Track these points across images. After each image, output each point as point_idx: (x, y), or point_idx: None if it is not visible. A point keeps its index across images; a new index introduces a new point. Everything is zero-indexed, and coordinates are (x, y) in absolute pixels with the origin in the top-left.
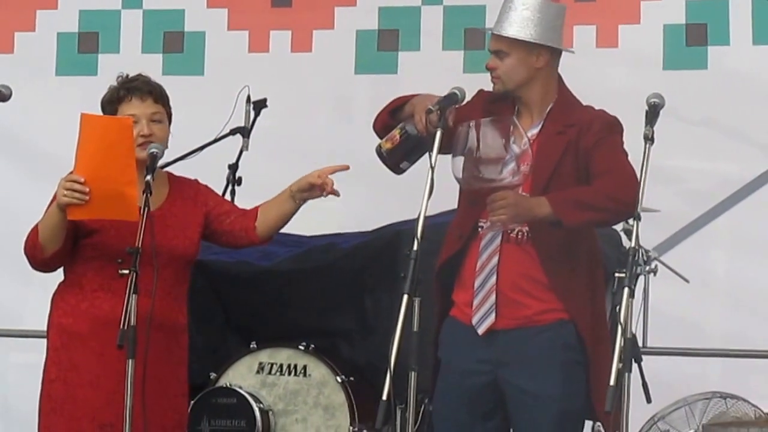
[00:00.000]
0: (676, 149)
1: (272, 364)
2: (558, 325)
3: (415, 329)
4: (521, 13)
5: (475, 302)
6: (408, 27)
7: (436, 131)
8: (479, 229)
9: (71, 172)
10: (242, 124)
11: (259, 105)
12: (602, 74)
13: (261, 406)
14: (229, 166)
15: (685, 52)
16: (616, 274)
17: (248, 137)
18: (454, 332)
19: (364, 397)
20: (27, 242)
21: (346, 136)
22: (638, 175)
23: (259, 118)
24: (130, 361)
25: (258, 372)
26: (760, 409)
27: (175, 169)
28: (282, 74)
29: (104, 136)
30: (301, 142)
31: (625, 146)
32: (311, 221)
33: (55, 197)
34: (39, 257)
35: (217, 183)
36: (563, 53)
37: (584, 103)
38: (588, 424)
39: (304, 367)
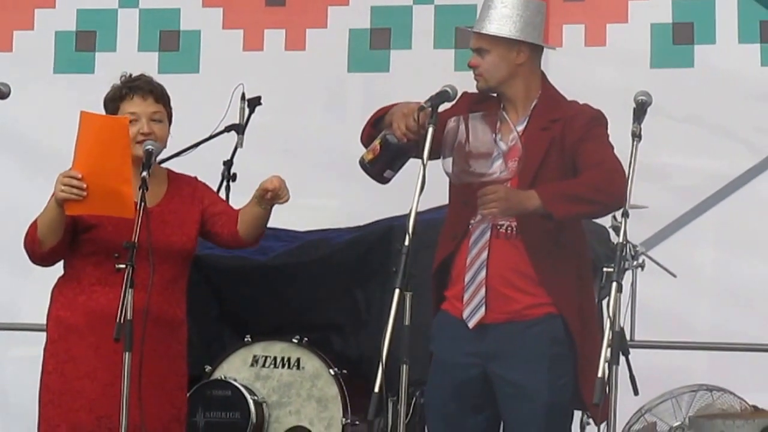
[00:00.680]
0: (664, 146)
1: (266, 357)
2: (546, 319)
3: (406, 323)
4: (500, 11)
5: (466, 296)
6: (400, 26)
7: (429, 127)
8: (470, 227)
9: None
10: (237, 122)
11: (254, 102)
12: (591, 72)
13: (255, 398)
14: (224, 163)
15: (672, 50)
16: (605, 269)
17: (243, 134)
18: (445, 326)
19: (356, 390)
20: (26, 237)
21: (339, 132)
22: (626, 171)
23: (253, 116)
24: (127, 354)
25: (252, 365)
26: (745, 402)
27: (171, 166)
28: (276, 72)
29: (102, 135)
30: (295, 138)
31: (614, 143)
32: (305, 216)
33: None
34: (38, 251)
35: (212, 179)
36: (549, 51)
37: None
38: (577, 415)
39: (298, 360)
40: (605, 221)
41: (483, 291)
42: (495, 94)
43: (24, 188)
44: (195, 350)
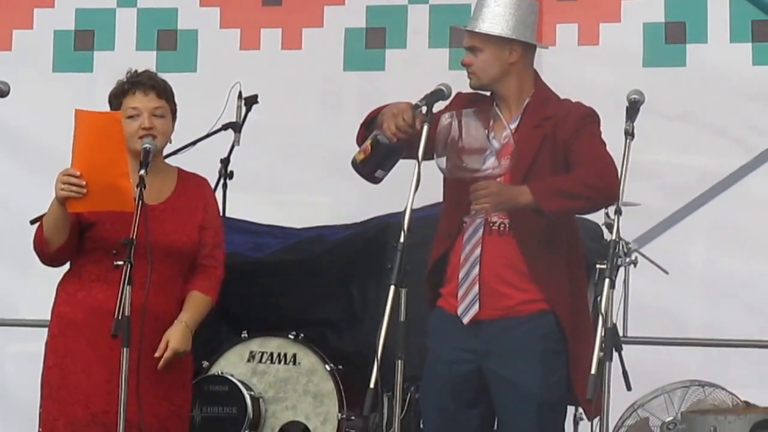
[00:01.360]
0: (656, 144)
1: (263, 353)
2: (539, 316)
3: (401, 319)
4: (493, 10)
5: (460, 293)
6: (395, 25)
7: (424, 126)
8: (463, 224)
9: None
10: (234, 120)
11: (251, 101)
12: (584, 71)
13: (252, 393)
14: (221, 161)
15: (664, 49)
16: (598, 266)
17: (240, 132)
18: (440, 322)
19: (352, 385)
20: (35, 238)
21: (334, 130)
22: (619, 169)
23: (250, 114)
24: (125, 350)
25: (249, 360)
26: (737, 397)
27: (168, 163)
28: (272, 71)
29: (96, 131)
30: (291, 136)
31: (607, 141)
32: (301, 214)
33: None
34: (46, 251)
35: (209, 177)
36: (543, 50)
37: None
38: (570, 411)
39: (294, 356)
40: (598, 218)
41: (477, 287)
42: (488, 93)
43: (23, 186)
44: (192, 346)
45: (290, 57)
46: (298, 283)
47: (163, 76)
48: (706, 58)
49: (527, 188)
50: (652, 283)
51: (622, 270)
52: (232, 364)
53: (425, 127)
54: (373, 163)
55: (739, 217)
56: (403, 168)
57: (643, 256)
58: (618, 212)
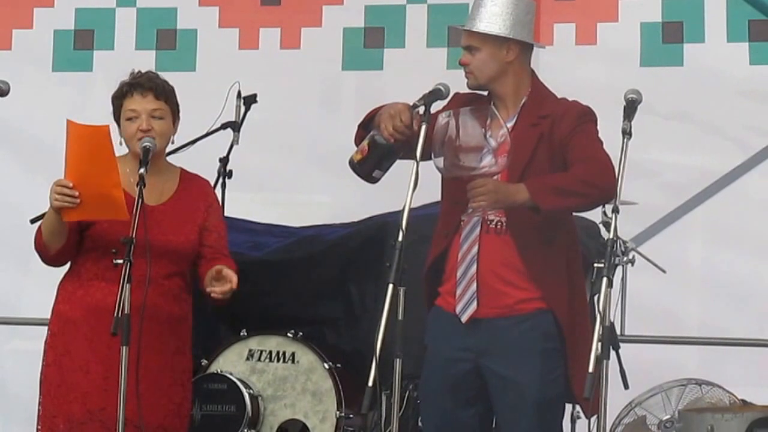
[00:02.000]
0: (653, 143)
1: (261, 351)
2: (537, 315)
3: (400, 318)
4: (490, 9)
5: (458, 291)
6: (393, 25)
7: (422, 125)
8: (461, 223)
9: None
10: (233, 119)
11: (250, 100)
12: (581, 71)
13: (250, 391)
14: (220, 160)
15: (661, 49)
16: (595, 265)
17: (239, 131)
18: (438, 320)
19: (350, 383)
20: (35, 241)
21: (333, 130)
22: (616, 168)
23: (249, 113)
24: (124, 348)
25: (248, 359)
26: (734, 396)
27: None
28: (271, 70)
29: (86, 143)
30: (289, 135)
31: (604, 141)
32: (300, 212)
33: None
34: (46, 254)
35: (208, 176)
36: (541, 50)
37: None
38: (568, 409)
39: (293, 354)
40: (596, 217)
41: (474, 286)
42: (486, 93)
43: (23, 185)
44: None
45: (289, 56)
46: (296, 281)
47: (162, 75)
48: (703, 57)
49: (524, 186)
50: (650, 282)
51: (619, 269)
52: (231, 362)
53: (423, 127)
54: (371, 164)
55: (736, 215)
56: (402, 167)
57: (641, 254)
58: (615, 211)
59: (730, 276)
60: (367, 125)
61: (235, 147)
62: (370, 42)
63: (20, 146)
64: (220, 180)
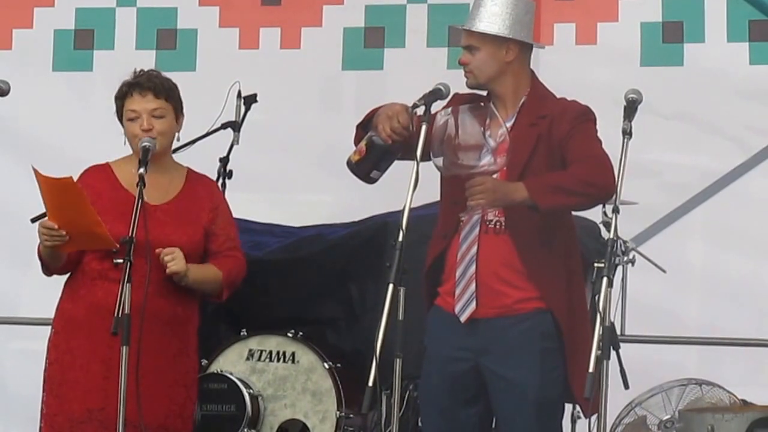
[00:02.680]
0: (654, 143)
1: (261, 351)
2: (536, 314)
3: (400, 318)
4: (490, 9)
5: (457, 291)
6: (393, 24)
7: (422, 125)
8: (461, 221)
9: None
10: (233, 119)
11: (250, 100)
12: (581, 71)
13: (251, 391)
14: (220, 160)
15: (661, 49)
16: (595, 264)
17: (239, 131)
18: (438, 320)
19: (350, 383)
20: (38, 254)
21: (333, 129)
22: (616, 168)
23: (249, 113)
24: (124, 348)
25: (248, 358)
26: (734, 396)
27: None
28: (271, 70)
29: (57, 193)
30: (290, 136)
31: (604, 140)
32: (301, 212)
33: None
34: (47, 270)
35: (208, 175)
36: (541, 50)
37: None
38: (567, 409)
39: (293, 354)
40: (596, 217)
41: (473, 286)
42: (485, 93)
43: (23, 184)
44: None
45: (289, 56)
46: (296, 281)
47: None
48: (703, 57)
49: (522, 185)
50: (650, 282)
51: (620, 268)
52: (231, 362)
53: (424, 127)
54: (368, 164)
55: (736, 215)
56: (402, 167)
57: (641, 254)
58: (616, 211)
59: (730, 276)
60: (365, 126)
61: (235, 147)
62: (371, 42)
63: (20, 146)
64: (220, 180)
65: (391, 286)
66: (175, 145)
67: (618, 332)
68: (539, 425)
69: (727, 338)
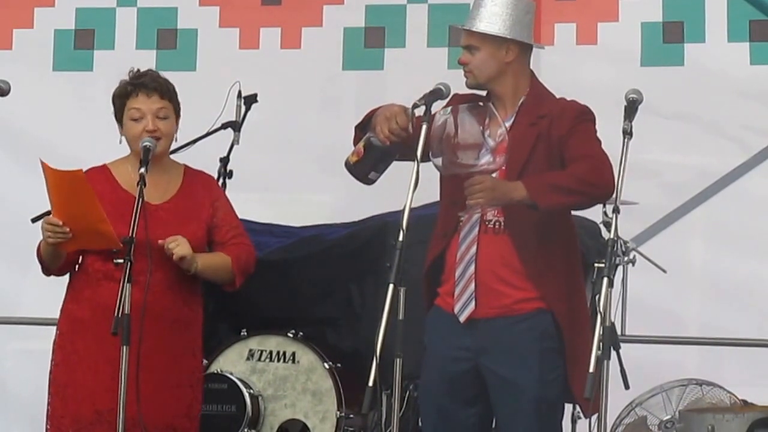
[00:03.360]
0: (654, 143)
1: (262, 351)
2: (536, 314)
3: (400, 317)
4: (490, 9)
5: (456, 291)
6: (394, 24)
7: (423, 125)
8: (460, 221)
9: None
10: (233, 119)
11: (250, 100)
12: (582, 71)
13: (251, 391)
14: (221, 160)
15: (662, 49)
16: (596, 265)
17: (239, 131)
18: (437, 321)
19: (351, 383)
20: (37, 254)
21: (333, 129)
22: (617, 168)
23: (249, 113)
24: (124, 348)
25: (248, 359)
26: (735, 396)
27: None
28: (272, 70)
29: (64, 186)
30: (290, 135)
31: (605, 141)
32: (301, 212)
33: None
34: (46, 270)
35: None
36: (541, 50)
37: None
38: (568, 409)
39: (293, 354)
40: (596, 217)
41: (473, 286)
42: (485, 93)
43: (23, 184)
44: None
45: (289, 56)
46: (297, 281)
47: (162, 74)
48: (703, 57)
49: (521, 183)
50: (651, 282)
51: (620, 269)
52: (231, 362)
53: (424, 127)
54: (366, 165)
55: (736, 215)
56: (402, 167)
57: (641, 254)
58: (616, 211)
59: (730, 276)
60: (364, 126)
61: (235, 147)
62: (371, 42)
63: (20, 146)
64: (221, 180)
65: (391, 286)
66: (174, 145)
67: (618, 332)
68: (539, 425)
69: (728, 338)
